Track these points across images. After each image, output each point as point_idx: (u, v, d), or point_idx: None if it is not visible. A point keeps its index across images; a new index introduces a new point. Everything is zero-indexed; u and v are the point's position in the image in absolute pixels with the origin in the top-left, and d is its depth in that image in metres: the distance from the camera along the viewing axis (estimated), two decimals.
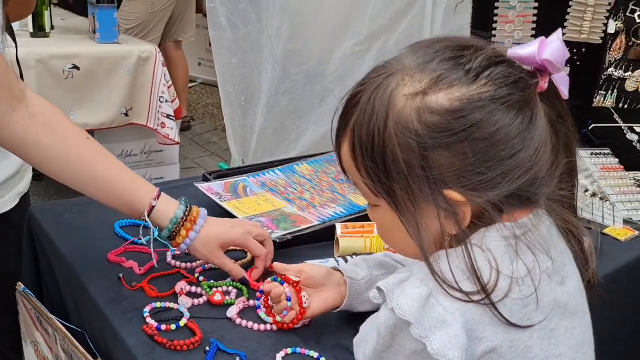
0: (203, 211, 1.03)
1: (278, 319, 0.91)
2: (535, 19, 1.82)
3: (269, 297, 0.93)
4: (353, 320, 0.93)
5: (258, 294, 0.95)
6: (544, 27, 1.81)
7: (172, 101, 2.78)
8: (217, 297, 0.96)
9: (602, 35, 1.87)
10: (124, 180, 1.00)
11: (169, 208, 1.00)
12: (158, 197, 1.00)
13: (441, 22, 2.02)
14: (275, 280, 0.93)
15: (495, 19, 1.79)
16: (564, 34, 1.93)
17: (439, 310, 0.61)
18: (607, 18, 1.88)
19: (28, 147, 0.96)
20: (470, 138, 0.62)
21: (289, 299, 0.90)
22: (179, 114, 2.99)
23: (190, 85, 5.09)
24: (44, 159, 0.97)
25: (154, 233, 1.01)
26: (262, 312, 0.95)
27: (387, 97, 0.64)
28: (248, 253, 1.12)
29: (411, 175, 0.63)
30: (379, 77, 0.66)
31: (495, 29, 1.79)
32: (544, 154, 0.65)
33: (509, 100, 0.63)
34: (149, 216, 0.99)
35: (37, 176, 2.73)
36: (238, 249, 1.13)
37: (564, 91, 0.68)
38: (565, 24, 1.81)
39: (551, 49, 0.64)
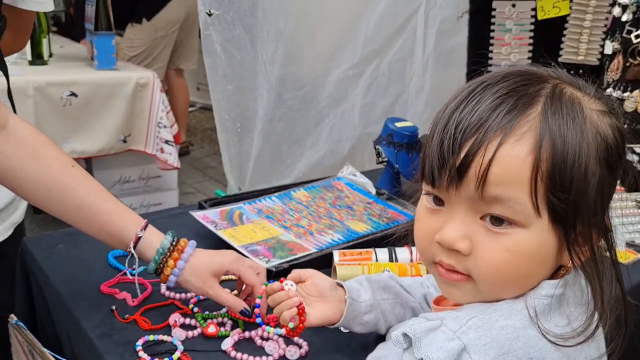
0: (191, 242, 1.00)
1: (291, 325, 0.84)
2: (531, 41, 1.82)
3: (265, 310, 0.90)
4: (347, 343, 0.92)
5: (257, 310, 0.88)
6: (540, 49, 1.82)
7: (171, 126, 2.78)
8: (211, 329, 0.94)
9: (599, 56, 1.88)
10: (109, 209, 0.97)
11: (155, 239, 0.97)
12: (145, 227, 0.97)
13: (433, 44, 2.03)
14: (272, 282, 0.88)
15: (491, 41, 1.80)
16: (560, 56, 1.94)
17: None
18: (604, 39, 1.89)
19: (10, 174, 0.93)
20: (620, 169, 0.63)
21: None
22: (178, 139, 2.99)
23: (190, 109, 5.11)
24: (26, 186, 0.94)
25: (137, 263, 0.97)
26: (267, 328, 0.88)
27: (577, 106, 0.61)
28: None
29: (596, 189, 0.60)
30: (544, 82, 0.62)
31: (491, 51, 1.79)
32: None
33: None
34: (134, 247, 0.96)
35: (35, 208, 2.73)
36: (233, 277, 1.11)
37: None
38: (562, 45, 1.81)
39: None
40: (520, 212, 0.59)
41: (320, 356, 0.92)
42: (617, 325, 0.66)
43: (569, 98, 0.62)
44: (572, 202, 0.59)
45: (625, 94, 2.04)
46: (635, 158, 1.91)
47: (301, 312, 0.84)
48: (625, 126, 0.64)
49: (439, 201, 0.64)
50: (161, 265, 0.96)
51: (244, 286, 1.02)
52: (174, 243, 0.97)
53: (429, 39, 2.04)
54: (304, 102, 1.86)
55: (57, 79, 2.55)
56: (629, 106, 2.04)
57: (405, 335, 0.61)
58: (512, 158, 0.58)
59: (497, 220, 0.60)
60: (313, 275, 0.90)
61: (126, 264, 1.00)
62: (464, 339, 0.59)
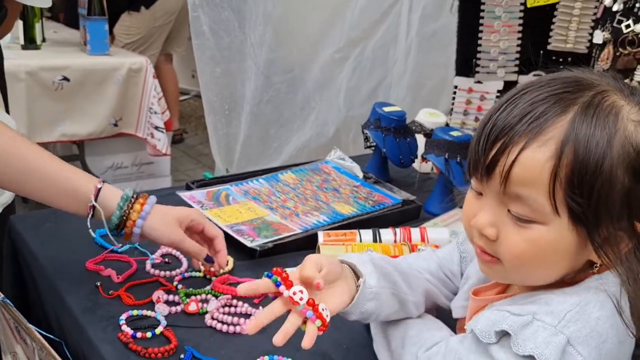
0: (153, 196, 0.99)
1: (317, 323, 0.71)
2: (520, 28, 1.83)
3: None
4: (332, 327, 0.92)
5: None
6: (529, 36, 1.83)
7: (163, 113, 2.79)
8: (192, 307, 0.95)
9: (588, 44, 1.88)
10: (65, 169, 0.95)
11: (116, 192, 0.96)
12: (102, 183, 0.96)
13: (416, 29, 2.05)
14: (269, 276, 0.72)
15: (480, 28, 1.80)
16: (549, 44, 1.95)
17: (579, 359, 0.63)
18: (593, 28, 1.89)
19: None
20: None
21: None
22: (170, 125, 2.99)
23: (184, 97, 5.10)
24: None
25: (103, 216, 0.95)
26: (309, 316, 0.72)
27: (613, 115, 0.64)
28: (229, 261, 1.11)
29: (621, 196, 0.63)
30: (586, 90, 0.65)
31: (480, 38, 1.80)
32: None
33: None
34: (95, 200, 0.93)
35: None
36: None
37: None
38: (551, 33, 1.82)
39: None
40: (539, 211, 0.65)
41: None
42: None
43: (607, 107, 0.64)
44: (592, 207, 0.63)
45: None
46: None
47: (319, 315, 0.71)
48: None
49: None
50: (126, 212, 0.94)
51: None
52: (135, 194, 0.97)
53: (412, 24, 2.06)
54: (292, 85, 1.87)
55: (50, 64, 2.55)
56: None
57: (503, 332, 0.65)
58: (533, 161, 0.63)
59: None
60: (322, 263, 0.77)
61: (88, 222, 0.97)
62: (566, 332, 0.63)
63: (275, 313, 0.72)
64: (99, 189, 0.95)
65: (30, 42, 2.72)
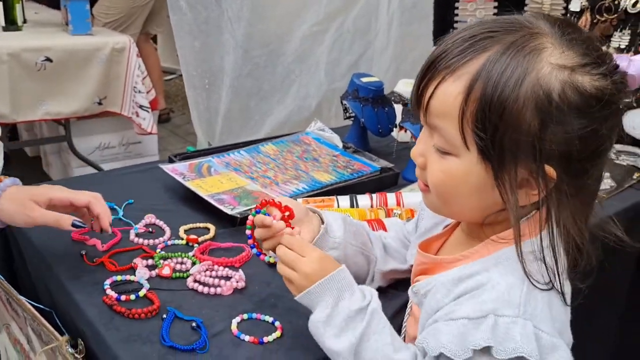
0: (14, 178, 0.97)
1: (271, 259, 0.88)
2: None
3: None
4: None
5: (249, 241, 0.90)
6: (505, 5, 1.85)
7: (148, 92, 2.79)
8: (166, 271, 0.99)
9: (563, 12, 1.91)
10: None
11: None
12: None
13: (397, 0, 2.05)
14: (258, 212, 0.88)
15: None
16: (525, 12, 1.98)
17: (545, 337, 0.65)
18: None
19: None
20: (590, 127, 0.65)
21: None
22: (156, 104, 3.00)
23: (170, 77, 5.08)
24: None
25: None
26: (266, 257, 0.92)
27: (531, 56, 0.64)
28: (210, 230, 1.15)
29: (527, 137, 0.64)
30: (515, 32, 0.66)
31: (457, 7, 1.82)
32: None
33: (619, 105, 0.68)
34: None
35: (7, 175, 2.74)
36: (200, 225, 1.16)
37: None
38: (527, 1, 1.85)
39: (637, 67, 0.69)
40: (451, 143, 0.68)
41: (280, 288, 0.97)
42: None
43: (529, 47, 0.65)
44: (496, 144, 0.65)
45: None
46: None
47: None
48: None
49: None
50: None
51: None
52: None
53: None
54: (271, 58, 1.89)
55: (32, 45, 2.54)
56: None
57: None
58: (445, 95, 0.67)
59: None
60: (289, 204, 0.89)
61: None
62: (528, 316, 0.65)
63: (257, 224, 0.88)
64: None
65: (11, 24, 2.71)
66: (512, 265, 0.69)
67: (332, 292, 0.78)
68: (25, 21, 2.82)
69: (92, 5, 3.38)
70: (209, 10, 1.69)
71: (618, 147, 1.80)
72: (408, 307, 0.89)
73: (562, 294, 0.70)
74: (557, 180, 0.67)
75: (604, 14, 2.03)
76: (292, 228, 0.86)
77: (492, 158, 0.66)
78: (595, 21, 2.07)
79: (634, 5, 1.99)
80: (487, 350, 0.64)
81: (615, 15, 2.01)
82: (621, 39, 2.03)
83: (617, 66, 0.68)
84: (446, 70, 0.67)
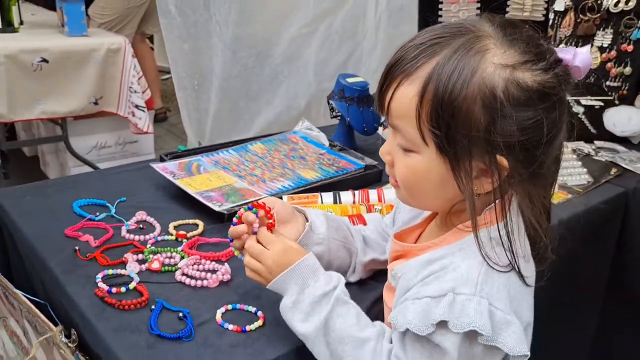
0: None
1: (236, 253, 0.92)
2: None
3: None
4: None
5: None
6: (488, 6, 1.90)
7: (143, 92, 2.84)
8: (155, 265, 1.04)
9: (544, 12, 1.96)
10: None
11: None
12: None
13: (385, 2, 2.10)
14: (250, 209, 0.92)
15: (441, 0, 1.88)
16: (507, 12, 2.03)
17: (499, 314, 0.71)
18: None
19: None
20: (535, 118, 0.70)
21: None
22: (151, 104, 3.05)
23: (167, 76, 5.12)
24: None
25: None
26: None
27: (476, 57, 0.70)
28: (199, 226, 1.20)
29: (477, 132, 0.70)
30: (461, 36, 0.72)
31: (441, 9, 1.87)
32: (560, 144, 0.76)
33: (563, 96, 0.73)
34: None
35: (5, 174, 2.80)
36: (189, 222, 1.21)
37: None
38: (508, 2, 1.89)
39: (581, 58, 0.75)
40: (412, 141, 0.75)
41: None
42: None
43: (474, 50, 0.71)
44: (450, 139, 0.71)
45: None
46: (581, 110, 2.02)
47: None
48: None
49: None
50: None
51: None
52: None
53: None
54: (259, 60, 1.94)
55: (28, 46, 2.58)
56: None
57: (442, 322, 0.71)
58: (403, 97, 0.74)
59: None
60: (276, 204, 0.95)
61: None
62: (484, 295, 0.71)
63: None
64: None
65: (7, 25, 2.75)
66: (474, 250, 0.75)
67: (297, 280, 0.84)
68: (21, 22, 2.87)
69: (87, 6, 3.43)
70: (197, 15, 1.74)
71: (598, 143, 1.86)
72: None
73: (522, 275, 0.75)
74: (510, 169, 0.72)
75: (587, 14, 2.08)
76: (273, 226, 0.91)
77: (448, 153, 0.72)
78: (578, 20, 2.12)
79: (616, 5, 2.04)
80: (444, 324, 0.71)
81: (598, 14, 2.06)
82: (604, 37, 2.08)
83: (558, 60, 0.73)
84: (402, 75, 0.73)
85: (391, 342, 0.80)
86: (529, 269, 0.79)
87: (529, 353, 0.72)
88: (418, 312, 0.73)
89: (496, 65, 0.70)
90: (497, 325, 0.70)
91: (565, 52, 0.74)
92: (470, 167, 0.72)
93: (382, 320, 0.94)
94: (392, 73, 0.75)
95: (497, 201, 0.76)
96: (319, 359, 0.83)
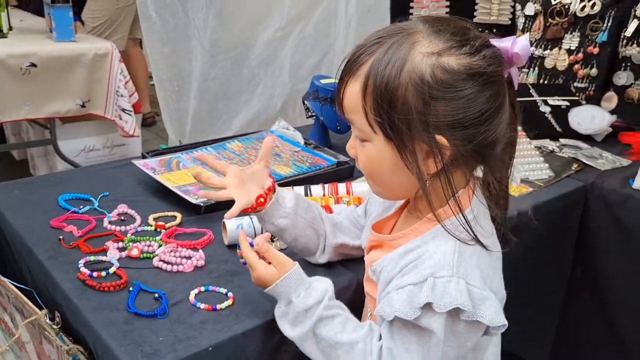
0: None
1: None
2: (448, 2, 2.00)
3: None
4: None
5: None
6: (456, 11, 1.99)
7: (130, 95, 2.91)
8: (134, 252, 1.11)
9: (511, 16, 2.05)
10: None
11: None
12: None
13: (355, 4, 2.19)
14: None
15: (411, 4, 1.96)
16: (475, 17, 2.12)
17: (476, 291, 0.79)
18: (514, 1, 2.06)
19: None
20: (466, 97, 0.78)
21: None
22: (139, 108, 3.12)
23: None
24: None
25: None
26: None
27: (406, 50, 0.78)
28: (177, 218, 1.27)
29: (414, 116, 0.77)
30: (396, 35, 0.80)
31: (411, 13, 1.96)
32: (504, 125, 0.83)
33: (493, 76, 0.80)
34: None
35: None
36: (168, 214, 1.29)
37: (515, 83, 0.86)
38: (476, 7, 1.99)
39: (520, 46, 0.82)
40: (364, 131, 0.84)
41: (236, 264, 1.10)
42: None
43: (406, 45, 0.79)
44: (391, 125, 0.79)
45: (546, 52, 2.22)
46: (547, 109, 2.11)
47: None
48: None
49: None
50: None
51: None
52: None
53: (350, 1, 2.20)
54: (236, 62, 2.02)
55: (17, 51, 2.65)
56: (549, 63, 2.23)
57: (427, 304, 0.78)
58: (350, 93, 0.83)
59: None
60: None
61: None
62: (461, 275, 0.79)
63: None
64: None
65: None
66: (445, 237, 0.83)
67: (283, 295, 0.91)
68: (10, 28, 2.94)
69: (81, 11, 3.50)
70: (177, 19, 1.82)
71: (563, 141, 1.95)
72: (366, 299, 1.02)
73: (483, 245, 0.84)
74: (452, 148, 0.79)
75: (556, 17, 2.18)
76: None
77: (393, 137, 0.80)
78: (548, 24, 2.21)
79: (582, 9, 2.13)
80: (429, 306, 0.78)
81: (566, 18, 2.15)
82: (571, 40, 2.17)
83: (487, 44, 0.81)
84: (348, 75, 0.83)
85: (380, 339, 0.87)
86: (495, 245, 0.87)
87: (506, 322, 0.80)
88: (403, 299, 0.80)
89: (423, 54, 0.78)
90: (475, 301, 0.78)
91: (504, 41, 0.83)
92: (414, 149, 0.80)
93: (362, 307, 1.03)
94: (343, 74, 0.84)
95: (466, 187, 0.85)
96: None
